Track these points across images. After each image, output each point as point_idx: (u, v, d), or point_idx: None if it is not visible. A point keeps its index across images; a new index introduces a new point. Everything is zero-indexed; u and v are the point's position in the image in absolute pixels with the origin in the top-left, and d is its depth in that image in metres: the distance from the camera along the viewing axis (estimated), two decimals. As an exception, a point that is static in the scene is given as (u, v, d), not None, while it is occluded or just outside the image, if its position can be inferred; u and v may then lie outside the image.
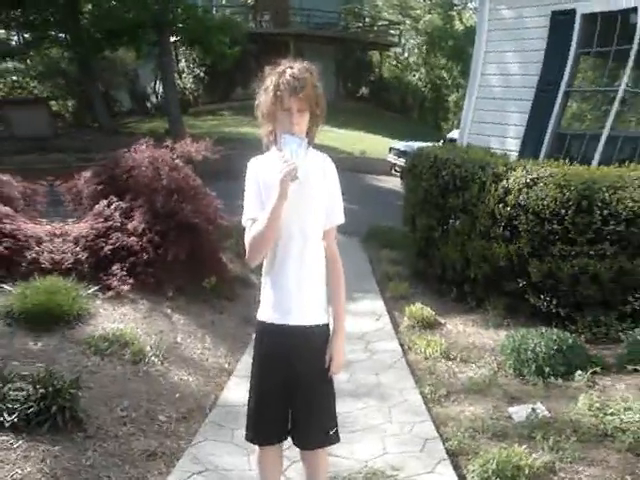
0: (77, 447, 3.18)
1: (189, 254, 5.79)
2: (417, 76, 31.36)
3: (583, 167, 5.54)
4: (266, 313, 2.47)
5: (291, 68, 2.36)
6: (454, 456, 3.53)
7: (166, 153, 6.40)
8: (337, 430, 2.55)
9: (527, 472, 3.11)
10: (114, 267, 5.46)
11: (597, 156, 7.11)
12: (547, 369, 4.42)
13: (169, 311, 5.46)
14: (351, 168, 15.91)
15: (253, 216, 2.38)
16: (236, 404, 4.07)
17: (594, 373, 4.36)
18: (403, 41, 32.36)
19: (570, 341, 4.57)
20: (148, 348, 4.57)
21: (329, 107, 2.51)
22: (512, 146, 8.03)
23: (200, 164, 6.99)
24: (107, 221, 5.77)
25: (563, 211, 5.05)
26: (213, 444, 3.56)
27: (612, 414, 3.69)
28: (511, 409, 4.05)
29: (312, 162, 2.42)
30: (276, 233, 2.36)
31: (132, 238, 5.64)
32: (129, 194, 6.08)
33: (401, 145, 16.94)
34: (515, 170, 5.54)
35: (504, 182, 5.53)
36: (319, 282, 2.48)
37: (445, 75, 30.51)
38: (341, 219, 2.53)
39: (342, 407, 3.83)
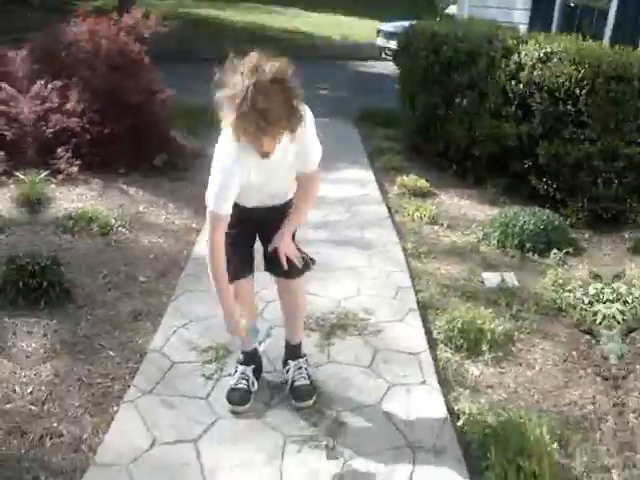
0: (71, 318, 3.49)
1: (134, 132, 5.77)
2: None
3: (596, 44, 5.31)
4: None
5: (261, 95, 2.05)
6: (424, 308, 3.75)
7: (108, 27, 6.05)
8: (308, 262, 2.69)
9: (489, 337, 3.34)
10: (59, 150, 5.55)
11: (608, 32, 6.84)
12: (528, 244, 4.62)
13: (125, 186, 5.65)
14: (332, 55, 14.77)
15: (221, 211, 2.35)
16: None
17: (567, 253, 4.56)
18: None
19: (556, 222, 4.77)
20: (113, 221, 4.84)
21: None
22: (521, 18, 7.70)
23: (152, 44, 6.51)
24: (44, 103, 5.71)
25: (577, 90, 4.95)
26: (192, 295, 3.77)
27: (569, 291, 3.92)
28: (485, 274, 4.26)
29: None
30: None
31: (72, 119, 5.66)
32: (65, 72, 5.89)
33: (390, 26, 15.20)
34: (527, 44, 5.38)
35: (515, 56, 5.39)
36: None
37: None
38: (314, 165, 2.53)
39: (321, 250, 4.09)
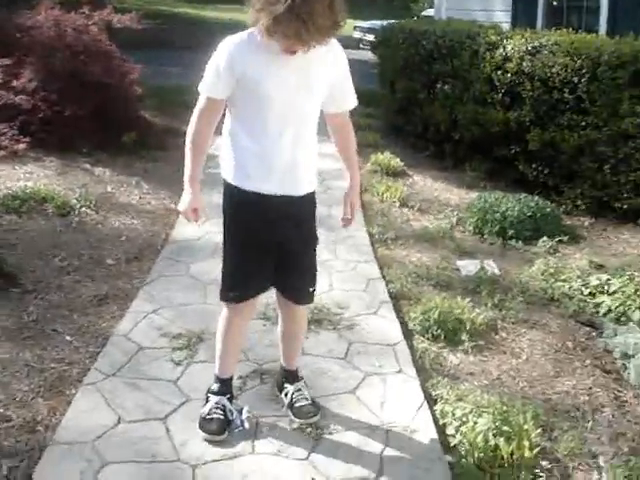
0: (15, 304, 3.18)
1: (100, 112, 5.64)
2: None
3: (590, 36, 5.47)
4: (246, 179, 2.35)
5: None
6: (396, 299, 3.67)
7: (78, 18, 6.08)
8: (315, 290, 2.59)
9: (468, 327, 3.26)
10: (0, 126, 5.30)
11: (604, 25, 6.99)
12: (510, 231, 4.56)
13: (88, 166, 5.37)
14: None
15: (210, 94, 2.32)
16: (190, 238, 4.18)
17: (560, 242, 4.49)
18: None
19: (547, 209, 4.70)
20: (74, 201, 4.53)
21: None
22: (502, 18, 8.08)
23: (123, 34, 6.68)
24: None
25: (576, 79, 5.07)
26: (168, 280, 3.62)
27: (564, 280, 3.83)
28: (460, 262, 4.18)
29: (316, 51, 2.20)
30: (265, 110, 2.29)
31: (21, 96, 5.50)
32: (18, 53, 5.78)
33: (366, 23, 17.27)
34: (512, 39, 5.71)
35: (501, 50, 5.69)
36: (313, 157, 2.51)
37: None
38: (353, 103, 2.53)
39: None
